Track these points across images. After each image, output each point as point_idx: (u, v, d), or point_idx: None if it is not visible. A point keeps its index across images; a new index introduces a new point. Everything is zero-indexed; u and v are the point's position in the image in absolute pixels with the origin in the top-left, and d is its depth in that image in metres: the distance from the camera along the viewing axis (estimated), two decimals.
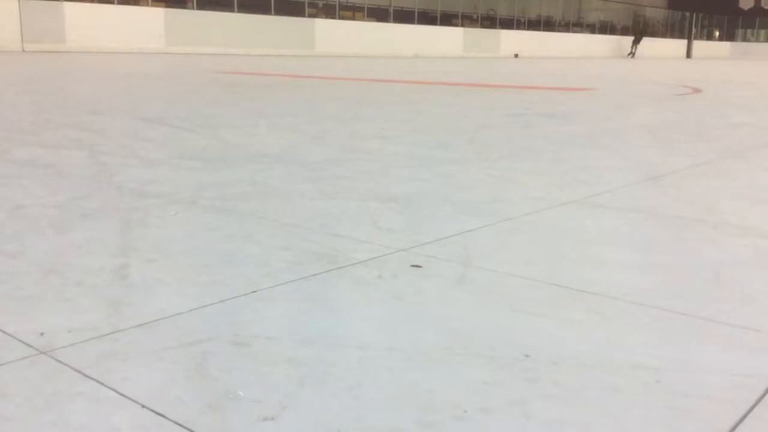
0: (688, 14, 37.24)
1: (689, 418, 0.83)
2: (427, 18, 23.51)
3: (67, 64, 10.16)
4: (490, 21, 26.15)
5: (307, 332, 1.05)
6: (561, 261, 1.43)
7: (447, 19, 24.32)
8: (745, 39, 42.43)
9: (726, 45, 41.81)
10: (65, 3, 15.12)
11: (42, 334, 1.03)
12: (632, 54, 30.80)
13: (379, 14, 22.05)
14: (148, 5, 16.72)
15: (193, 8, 17.51)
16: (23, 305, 1.14)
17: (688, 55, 34.70)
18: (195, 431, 0.79)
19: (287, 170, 2.37)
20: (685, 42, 35.52)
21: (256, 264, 1.37)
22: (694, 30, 36.46)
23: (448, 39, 23.94)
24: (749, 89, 8.23)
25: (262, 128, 3.50)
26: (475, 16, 25.36)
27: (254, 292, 1.22)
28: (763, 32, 41.88)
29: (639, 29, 32.77)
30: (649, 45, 33.25)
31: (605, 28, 32.34)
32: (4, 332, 1.03)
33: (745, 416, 0.84)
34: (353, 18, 21.34)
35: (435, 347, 1.01)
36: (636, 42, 30.94)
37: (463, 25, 24.73)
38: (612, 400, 0.87)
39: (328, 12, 20.70)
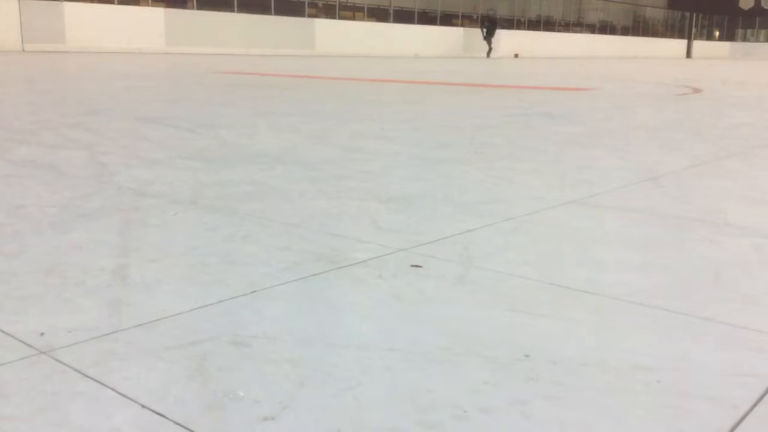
0: (688, 14, 37.24)
1: (689, 418, 0.83)
2: (427, 18, 23.50)
3: (67, 64, 10.16)
4: (489, 21, 26.12)
5: (307, 332, 1.05)
6: (561, 261, 1.43)
7: (447, 19, 24.30)
8: (745, 39, 42.43)
9: (726, 45, 41.82)
10: (65, 3, 15.12)
11: (42, 334, 1.03)
12: (490, 51, 23.39)
13: (379, 14, 22.05)
14: (148, 5, 16.72)
15: (193, 8, 17.50)
16: (23, 305, 1.14)
17: (688, 55, 34.67)
18: (195, 431, 0.79)
19: (287, 170, 2.37)
20: (685, 42, 35.51)
21: (256, 264, 1.37)
22: (694, 30, 36.35)
23: (449, 39, 23.92)
24: (749, 89, 8.23)
25: (262, 128, 3.50)
26: (475, 16, 25.35)
27: (254, 292, 1.22)
28: (763, 32, 41.88)
29: (489, 17, 23.84)
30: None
31: (605, 28, 32.36)
32: (4, 332, 1.03)
33: (745, 416, 0.84)
34: (353, 18, 21.33)
35: (435, 347, 1.01)
36: (489, 35, 23.35)
37: (463, 25, 24.72)
38: (612, 400, 0.87)
39: (328, 12, 20.70)
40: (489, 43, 23.43)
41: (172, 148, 2.80)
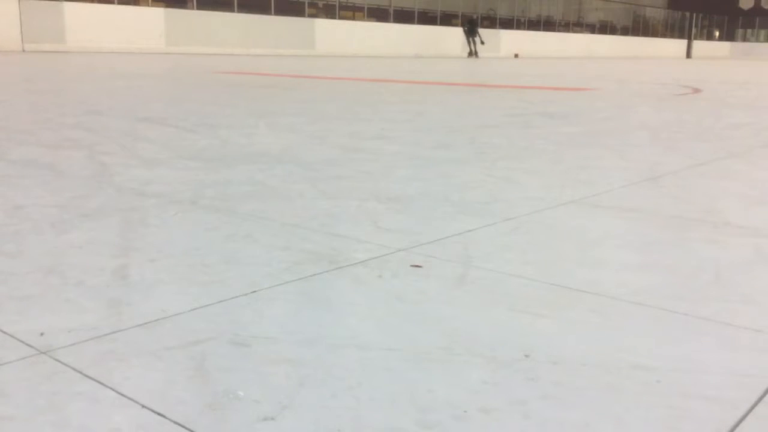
0: (688, 14, 37.24)
1: (689, 418, 0.83)
2: (427, 18, 23.50)
3: (67, 64, 10.16)
4: (490, 21, 26.15)
5: (307, 332, 1.05)
6: (561, 261, 1.43)
7: (447, 19, 24.30)
8: (745, 39, 42.45)
9: (726, 45, 41.83)
10: (65, 3, 15.12)
11: (42, 334, 1.03)
12: (474, 53, 23.18)
13: (379, 14, 22.05)
14: (148, 5, 16.72)
15: (193, 8, 17.51)
16: (23, 305, 1.14)
17: (688, 55, 34.65)
18: (195, 431, 0.79)
19: (287, 170, 2.37)
20: (685, 42, 35.51)
21: (256, 264, 1.37)
22: (694, 30, 36.30)
23: (449, 39, 23.92)
24: (749, 89, 8.23)
25: (262, 128, 3.50)
26: (475, 16, 25.34)
27: (254, 292, 1.22)
28: (763, 32, 41.90)
29: (468, 18, 23.96)
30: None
31: (605, 28, 32.36)
32: (4, 332, 1.03)
33: (745, 416, 0.84)
34: (353, 18, 21.34)
35: (435, 347, 1.01)
36: (470, 35, 23.12)
37: (463, 26, 24.72)
38: (612, 400, 0.87)
39: (328, 12, 20.71)
40: (471, 43, 23.13)
41: (172, 148, 2.80)
